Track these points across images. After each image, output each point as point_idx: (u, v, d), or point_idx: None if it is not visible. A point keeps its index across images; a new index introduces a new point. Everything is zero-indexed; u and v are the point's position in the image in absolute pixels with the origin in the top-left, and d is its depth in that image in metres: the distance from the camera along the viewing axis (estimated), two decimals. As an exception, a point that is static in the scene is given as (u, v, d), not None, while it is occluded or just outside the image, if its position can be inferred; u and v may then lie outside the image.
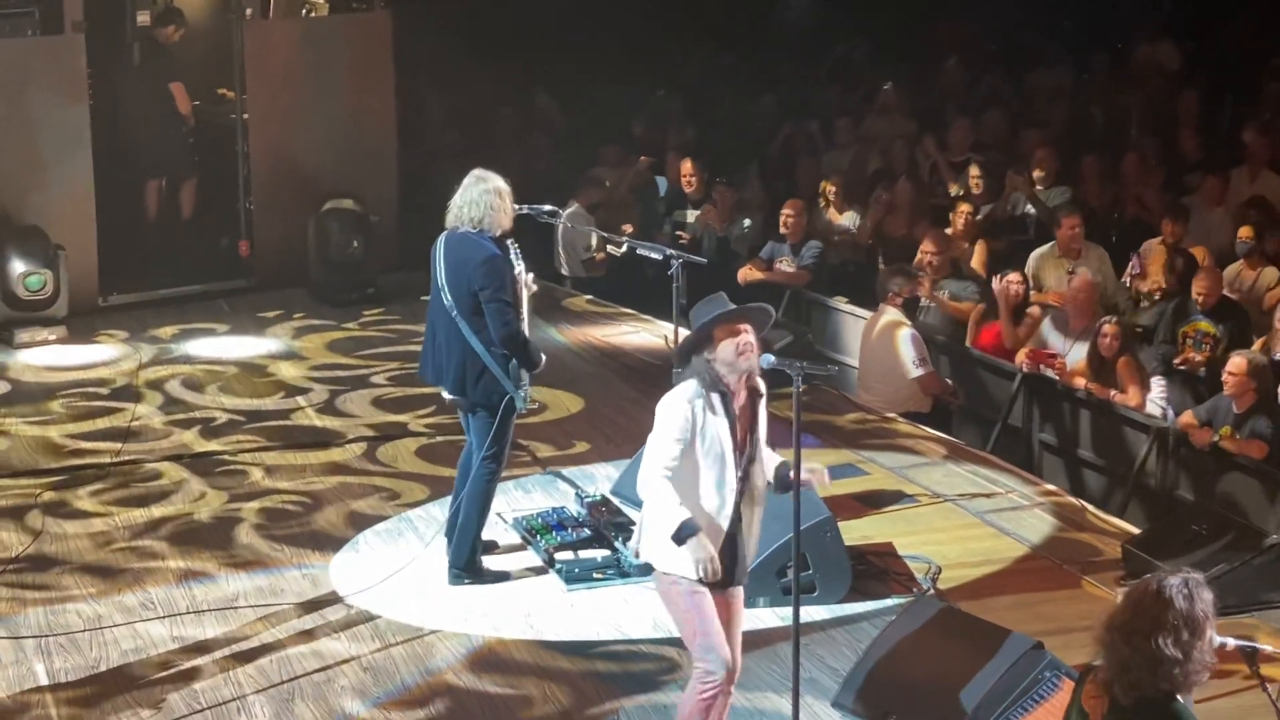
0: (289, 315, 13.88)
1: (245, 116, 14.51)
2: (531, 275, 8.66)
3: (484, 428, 8.53)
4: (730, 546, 6.59)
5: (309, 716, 7.52)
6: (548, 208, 9.56)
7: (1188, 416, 10.60)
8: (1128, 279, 12.65)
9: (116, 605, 8.60)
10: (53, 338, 13.16)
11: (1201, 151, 14.74)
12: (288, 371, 12.44)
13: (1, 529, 9.56)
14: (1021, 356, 11.67)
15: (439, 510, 9.46)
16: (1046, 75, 17.05)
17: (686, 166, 14.77)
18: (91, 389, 12.05)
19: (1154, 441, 10.64)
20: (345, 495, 10.06)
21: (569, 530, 9.18)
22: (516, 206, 8.78)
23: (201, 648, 8.14)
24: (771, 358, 6.64)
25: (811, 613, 8.37)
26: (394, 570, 8.83)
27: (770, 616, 8.34)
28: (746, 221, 14.53)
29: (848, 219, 14.40)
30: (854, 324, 12.81)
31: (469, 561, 8.74)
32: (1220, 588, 8.22)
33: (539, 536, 9.16)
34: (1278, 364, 10.71)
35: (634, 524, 7.45)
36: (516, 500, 9.89)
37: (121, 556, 9.21)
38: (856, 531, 9.31)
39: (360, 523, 9.66)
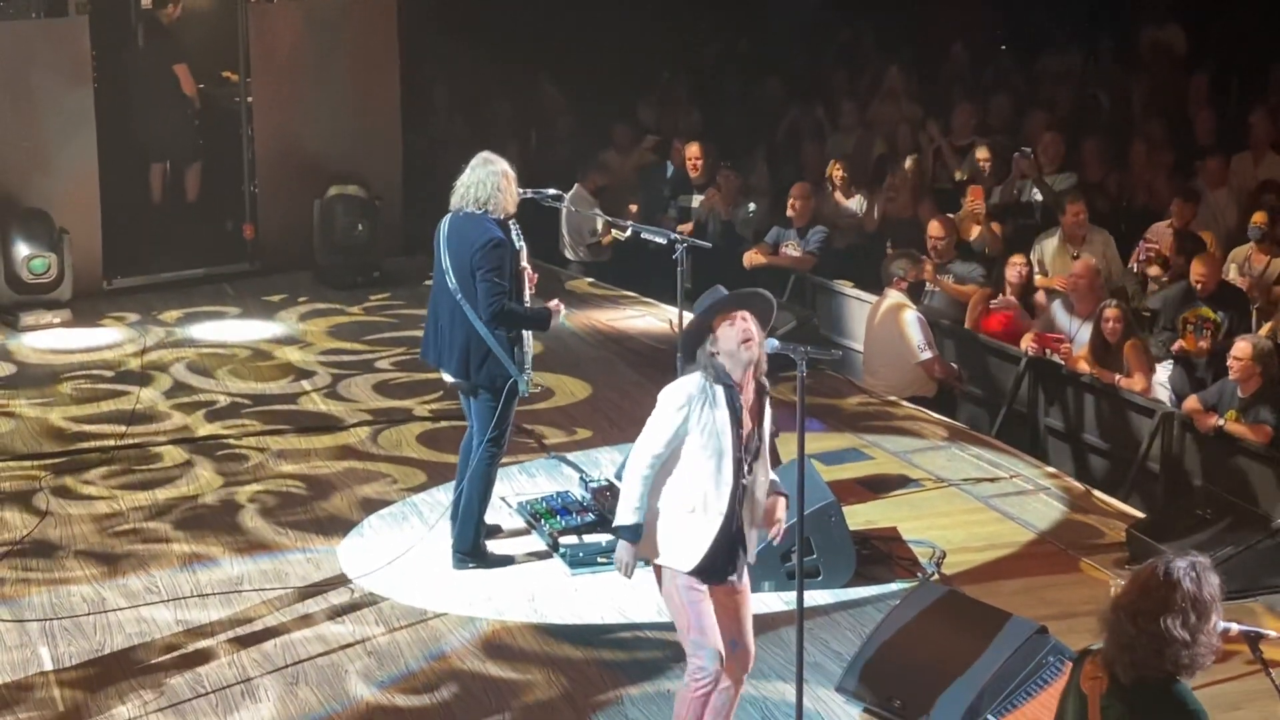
0: (293, 299, 13.88)
1: (249, 100, 14.50)
2: (529, 267, 8.64)
3: (486, 411, 8.53)
4: (726, 541, 6.49)
5: (313, 700, 7.52)
6: (551, 191, 9.54)
7: (1192, 401, 10.59)
8: (1134, 264, 12.62)
9: (120, 589, 8.61)
10: (57, 321, 13.16)
11: (1209, 136, 14.70)
12: (292, 355, 12.44)
13: (6, 512, 9.56)
14: (1027, 341, 11.67)
15: (444, 495, 9.46)
16: (1054, 60, 17.01)
17: (693, 150, 14.76)
18: (96, 372, 12.05)
19: (1159, 426, 10.63)
20: (350, 479, 10.06)
21: (573, 514, 9.18)
22: (521, 191, 8.77)
23: (206, 631, 8.15)
24: (775, 342, 6.62)
25: (816, 597, 8.37)
26: (398, 554, 8.83)
27: (775, 600, 8.34)
28: (751, 205, 14.50)
29: (854, 203, 14.39)
30: (859, 308, 12.80)
31: (473, 545, 8.74)
32: (1225, 572, 8.24)
33: (543, 520, 9.16)
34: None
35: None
36: (521, 484, 9.89)
37: (125, 540, 9.21)
38: (861, 516, 9.31)
39: (365, 507, 9.66)
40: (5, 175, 13.48)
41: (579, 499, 9.39)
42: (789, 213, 13.73)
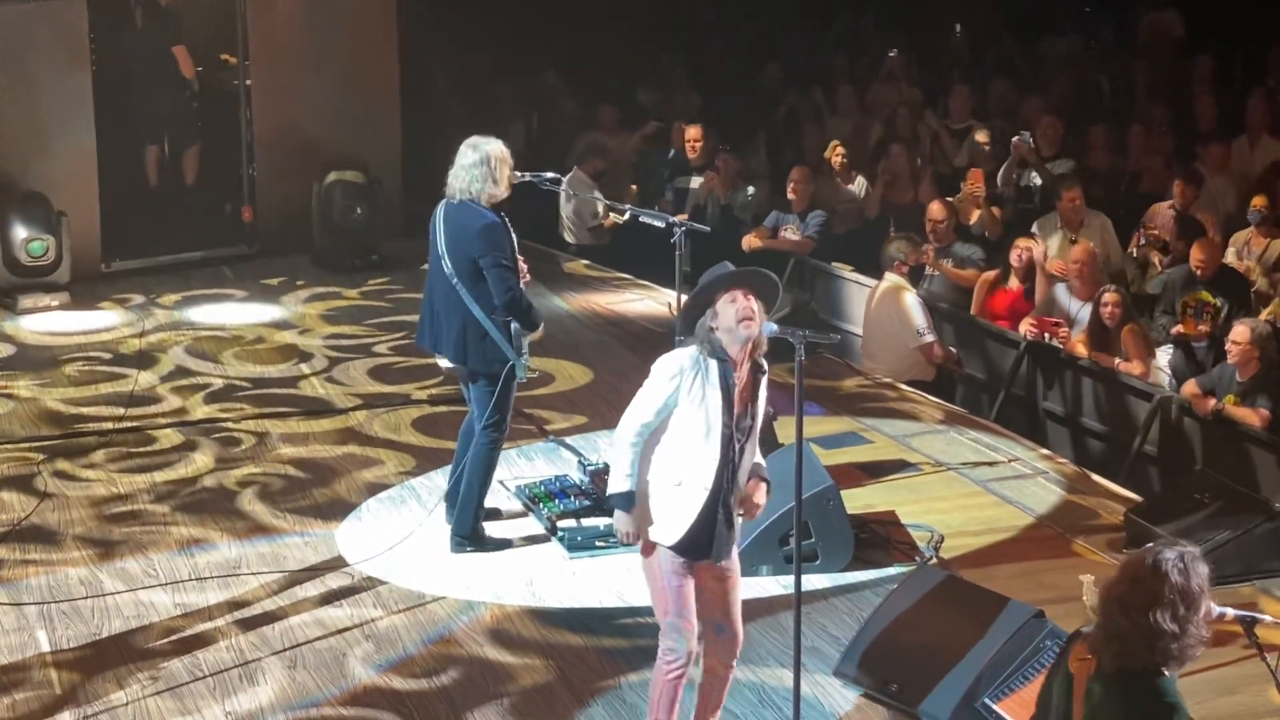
0: (292, 282, 13.87)
1: (248, 82, 14.48)
2: (522, 259, 8.63)
3: (484, 396, 8.52)
4: (710, 517, 6.43)
5: (311, 684, 7.52)
6: (549, 175, 9.51)
7: (1191, 385, 10.59)
8: (1134, 249, 12.61)
9: (118, 572, 8.61)
10: (55, 304, 13.16)
11: (1209, 121, 14.69)
12: (290, 339, 12.43)
13: (4, 494, 9.56)
14: (1026, 325, 11.66)
15: (442, 479, 9.45)
16: (1054, 44, 16.99)
17: (692, 133, 14.74)
18: (95, 354, 12.05)
19: (1157, 410, 10.63)
20: (349, 463, 10.06)
21: (571, 498, 9.18)
22: (519, 174, 8.75)
23: (204, 615, 8.15)
24: (774, 325, 6.59)
25: (814, 581, 8.38)
26: (397, 538, 8.82)
27: (772, 585, 8.35)
28: (750, 189, 14.49)
29: (855, 186, 14.38)
30: (858, 292, 12.80)
31: (471, 529, 8.74)
32: (1222, 556, 8.33)
33: (541, 504, 9.16)
34: (1281, 332, 10.69)
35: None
36: (519, 468, 9.89)
37: (123, 523, 9.21)
38: (859, 500, 9.31)
39: (363, 490, 9.66)
40: (3, 158, 13.46)
41: (577, 483, 9.39)
42: (789, 196, 13.72)
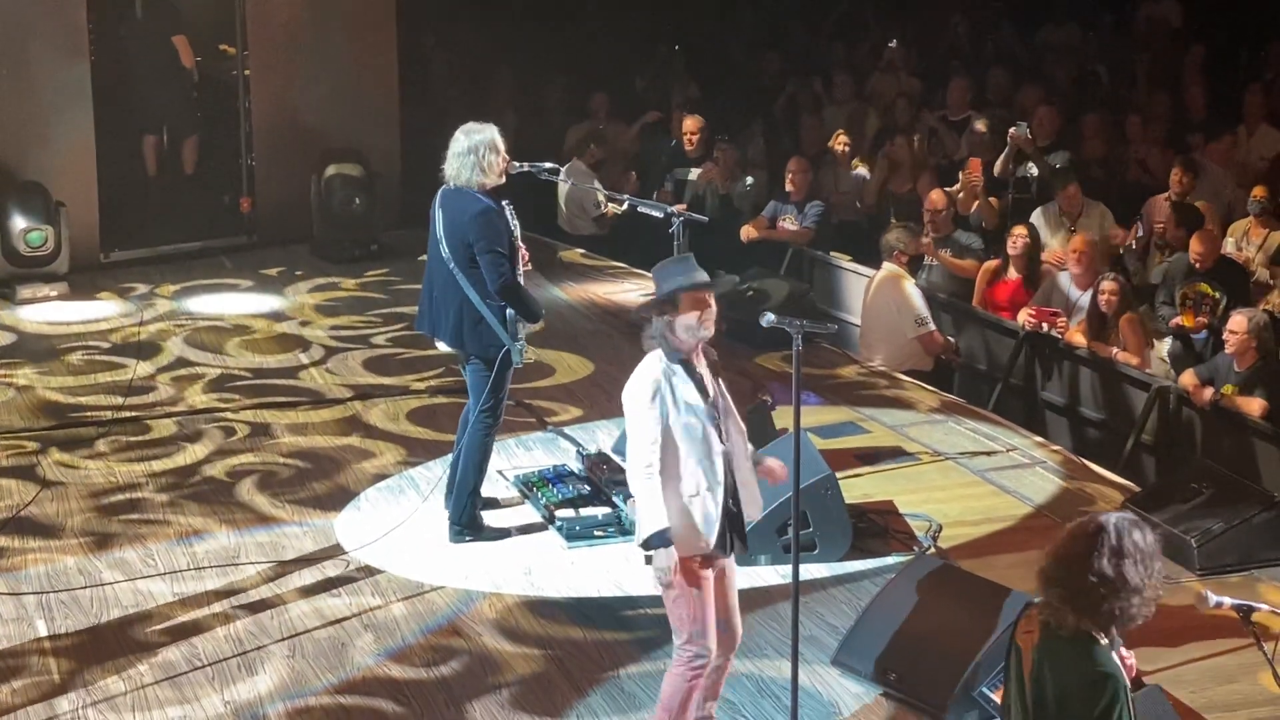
0: (291, 272, 13.87)
1: (247, 73, 14.47)
2: (523, 246, 8.63)
3: (479, 380, 8.53)
4: (726, 513, 6.44)
5: (310, 673, 7.53)
6: (548, 165, 9.51)
7: (1188, 375, 10.58)
8: (1132, 241, 12.60)
9: (117, 562, 8.61)
10: (54, 294, 13.16)
11: (1207, 110, 14.68)
12: (289, 329, 12.44)
13: (2, 484, 9.57)
14: (1024, 315, 11.66)
15: (440, 468, 9.45)
16: (1052, 34, 16.98)
17: (690, 124, 14.73)
18: (93, 344, 12.05)
19: (1155, 399, 10.64)
20: (347, 453, 10.06)
21: (569, 487, 9.19)
22: (517, 164, 8.76)
23: (202, 604, 8.15)
24: (771, 315, 6.61)
25: (812, 570, 8.38)
26: (394, 526, 8.83)
27: (770, 574, 8.35)
28: (749, 179, 14.48)
29: (857, 175, 14.38)
30: (856, 281, 12.80)
31: (469, 518, 8.75)
32: (1219, 545, 8.34)
33: (539, 493, 9.17)
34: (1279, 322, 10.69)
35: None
36: (517, 457, 9.89)
37: (122, 513, 9.22)
38: (857, 489, 9.32)
39: (362, 480, 9.66)
40: (2, 148, 13.46)
41: (575, 472, 9.40)
42: (787, 187, 13.72)
